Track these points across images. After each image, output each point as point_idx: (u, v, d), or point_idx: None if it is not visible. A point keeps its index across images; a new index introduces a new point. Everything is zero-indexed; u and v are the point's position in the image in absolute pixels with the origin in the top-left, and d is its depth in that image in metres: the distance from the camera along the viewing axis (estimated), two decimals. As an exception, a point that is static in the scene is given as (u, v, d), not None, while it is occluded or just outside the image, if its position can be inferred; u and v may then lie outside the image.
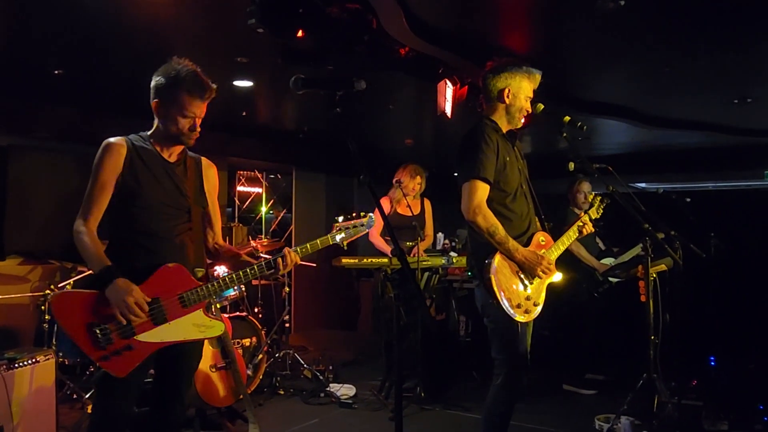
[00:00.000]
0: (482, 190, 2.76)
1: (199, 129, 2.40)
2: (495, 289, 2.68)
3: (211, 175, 2.59)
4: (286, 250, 2.43)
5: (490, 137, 2.81)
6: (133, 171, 2.33)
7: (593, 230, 3.12)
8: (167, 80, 2.33)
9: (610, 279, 4.99)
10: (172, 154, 2.46)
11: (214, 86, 2.38)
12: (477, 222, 2.72)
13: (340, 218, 2.57)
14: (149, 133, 2.45)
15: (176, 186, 2.42)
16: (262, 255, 5.46)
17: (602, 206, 3.33)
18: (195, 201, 2.47)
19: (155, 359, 2.33)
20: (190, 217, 2.44)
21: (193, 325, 2.32)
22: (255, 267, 2.40)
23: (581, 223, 3.06)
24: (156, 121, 2.42)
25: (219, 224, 2.67)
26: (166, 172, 2.41)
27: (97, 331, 2.16)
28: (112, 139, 2.36)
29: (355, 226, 2.54)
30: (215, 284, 2.36)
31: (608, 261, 5.05)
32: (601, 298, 5.08)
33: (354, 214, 2.55)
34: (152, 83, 2.37)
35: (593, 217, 3.16)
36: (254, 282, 5.96)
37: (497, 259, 2.73)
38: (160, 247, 2.35)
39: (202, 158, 2.59)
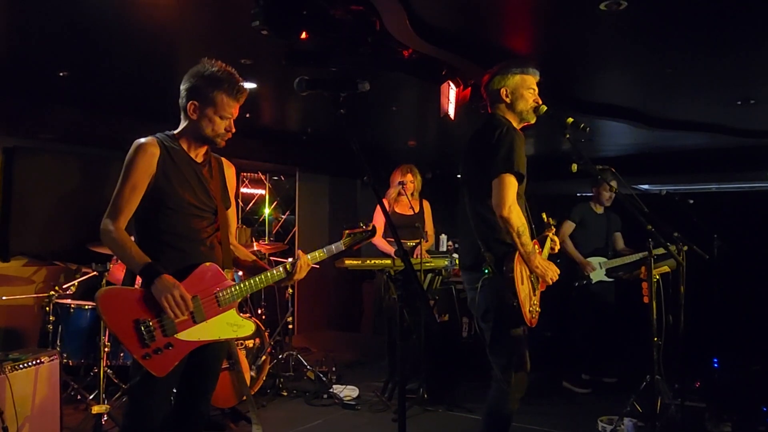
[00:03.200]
0: (515, 186, 2.64)
1: (234, 129, 2.40)
2: (517, 288, 2.61)
3: (230, 175, 2.60)
4: (299, 253, 2.52)
5: (519, 133, 2.74)
6: (165, 172, 2.32)
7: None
8: (204, 81, 2.33)
9: (591, 277, 4.99)
10: (198, 155, 2.45)
11: (246, 87, 2.40)
12: (511, 219, 2.58)
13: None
14: (176, 132, 2.43)
15: (204, 187, 2.42)
16: (266, 257, 5.49)
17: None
18: (221, 202, 2.48)
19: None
20: (217, 219, 2.46)
21: (227, 324, 2.36)
22: (279, 268, 2.47)
23: (551, 242, 3.00)
24: (185, 122, 2.41)
25: (234, 225, 2.69)
26: (195, 173, 2.41)
27: (142, 328, 2.16)
28: (144, 140, 2.33)
29: (362, 233, 2.68)
30: (247, 284, 2.40)
31: (596, 260, 5.04)
32: (599, 297, 5.07)
33: (361, 224, 2.71)
34: (186, 85, 2.37)
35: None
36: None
37: (516, 261, 2.64)
38: (190, 249, 2.35)
39: (222, 158, 2.60)
